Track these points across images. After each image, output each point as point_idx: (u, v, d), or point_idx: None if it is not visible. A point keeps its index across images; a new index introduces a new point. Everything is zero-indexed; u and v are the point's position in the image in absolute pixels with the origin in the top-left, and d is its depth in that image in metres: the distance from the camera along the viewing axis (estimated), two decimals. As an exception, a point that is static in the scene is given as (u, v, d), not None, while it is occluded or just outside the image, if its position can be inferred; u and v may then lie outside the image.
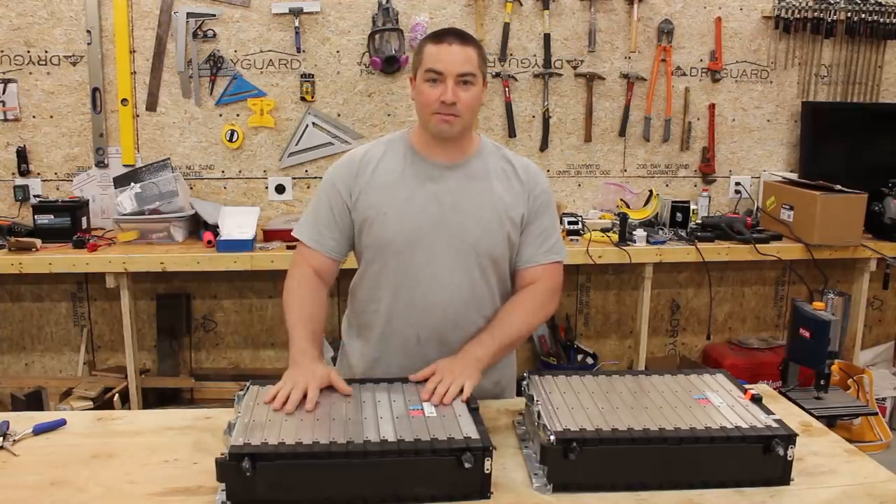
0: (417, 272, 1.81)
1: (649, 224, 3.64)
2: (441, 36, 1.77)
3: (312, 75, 3.55)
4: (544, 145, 3.76)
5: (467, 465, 1.39)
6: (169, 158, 3.45)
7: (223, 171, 3.61)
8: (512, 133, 3.72)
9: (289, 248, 3.22)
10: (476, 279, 1.83)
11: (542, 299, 1.89)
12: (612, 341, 4.04)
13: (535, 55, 3.68)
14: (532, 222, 1.88)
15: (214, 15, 3.45)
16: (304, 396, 1.57)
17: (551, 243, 1.92)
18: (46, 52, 3.41)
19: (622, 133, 3.81)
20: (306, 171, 3.65)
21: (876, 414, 3.54)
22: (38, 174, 3.51)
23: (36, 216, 3.29)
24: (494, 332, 1.81)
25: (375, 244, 1.83)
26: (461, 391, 1.63)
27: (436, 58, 1.75)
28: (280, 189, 3.63)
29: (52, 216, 3.28)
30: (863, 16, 3.77)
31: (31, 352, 3.68)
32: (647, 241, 3.43)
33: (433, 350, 1.83)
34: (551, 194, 1.95)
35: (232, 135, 3.55)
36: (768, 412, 1.59)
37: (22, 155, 3.46)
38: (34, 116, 3.46)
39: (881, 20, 3.78)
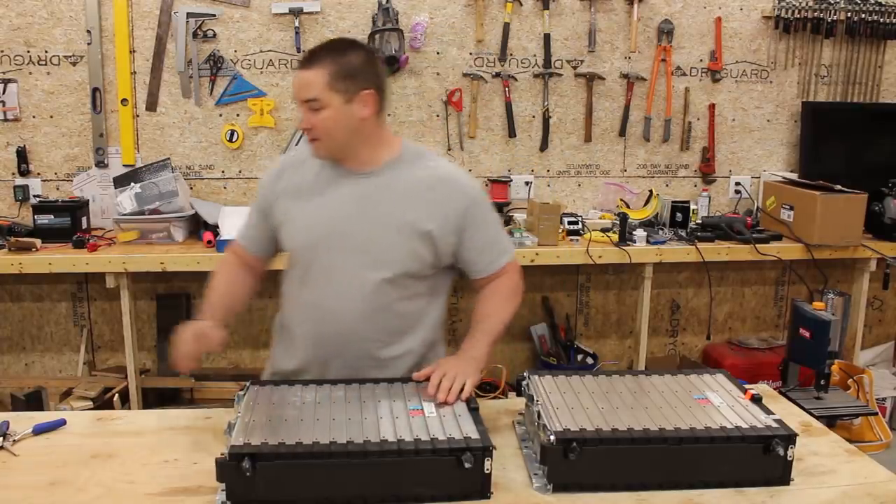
0: (318, 278, 1.82)
1: (649, 224, 3.64)
2: (302, 60, 1.78)
3: (312, 75, 3.54)
4: (544, 145, 3.76)
5: (467, 465, 1.39)
6: (169, 158, 3.45)
7: (223, 171, 3.61)
8: (512, 133, 3.72)
9: (289, 248, 3.22)
10: (375, 290, 1.79)
11: (506, 293, 1.92)
12: (612, 341, 4.04)
13: (535, 55, 3.68)
14: (467, 239, 1.83)
15: (214, 15, 3.45)
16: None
17: (495, 252, 1.89)
18: (46, 52, 3.40)
19: (622, 133, 3.81)
20: (306, 171, 3.64)
21: (876, 414, 3.54)
22: (38, 174, 3.51)
23: (36, 216, 3.29)
24: (484, 329, 1.85)
25: (288, 248, 1.89)
26: (462, 390, 1.64)
27: (293, 85, 1.78)
28: (280, 189, 3.62)
29: (52, 216, 3.28)
30: (863, 16, 3.77)
31: (31, 352, 3.68)
32: (647, 241, 3.43)
33: (335, 356, 1.83)
34: (481, 201, 1.87)
35: (232, 135, 3.55)
36: (768, 412, 1.59)
37: (22, 155, 3.45)
38: (34, 116, 3.46)
39: (881, 20, 3.78)
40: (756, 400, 1.65)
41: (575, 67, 3.72)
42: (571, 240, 3.45)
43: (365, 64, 1.76)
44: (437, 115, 3.67)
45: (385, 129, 1.86)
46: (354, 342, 1.81)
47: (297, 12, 3.45)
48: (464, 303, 3.87)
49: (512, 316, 1.93)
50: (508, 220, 3.49)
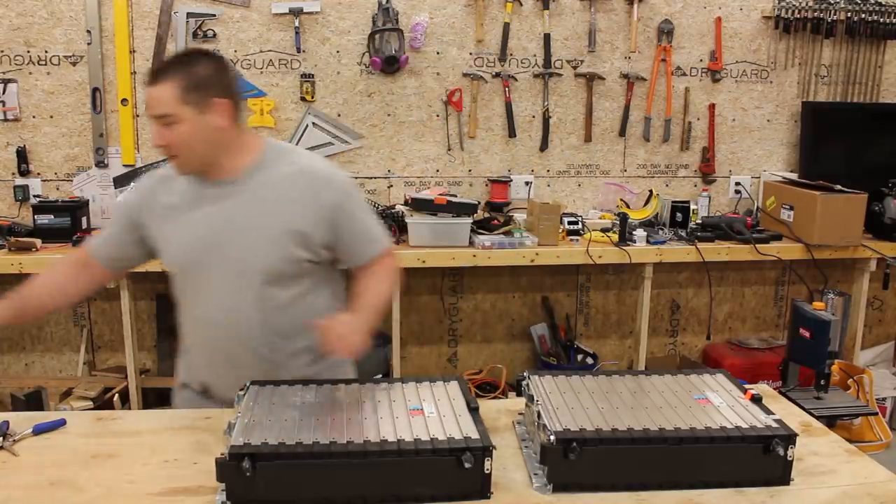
0: (201, 294, 1.82)
1: (649, 224, 3.64)
2: (148, 76, 1.72)
3: (312, 75, 3.55)
4: (544, 145, 3.76)
5: (467, 465, 1.39)
6: (169, 158, 3.44)
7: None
8: (512, 133, 3.72)
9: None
10: (257, 297, 1.78)
11: (381, 273, 1.87)
12: (612, 341, 4.04)
13: (535, 55, 3.68)
14: (339, 233, 1.81)
15: (214, 15, 3.45)
16: None
17: (368, 242, 1.87)
18: (46, 52, 3.40)
19: (622, 133, 3.81)
20: (306, 171, 3.64)
21: (876, 414, 3.54)
22: (38, 174, 3.51)
23: (36, 216, 3.29)
24: (362, 304, 1.79)
25: (168, 267, 1.87)
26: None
27: (145, 102, 1.74)
28: (280, 189, 3.62)
29: (52, 216, 3.28)
30: (863, 16, 3.77)
31: (31, 352, 3.68)
32: (647, 241, 3.43)
33: (233, 367, 1.82)
34: (349, 193, 1.85)
35: (232, 135, 3.55)
36: (768, 412, 1.59)
37: (22, 155, 3.45)
38: (34, 116, 3.46)
39: (881, 20, 3.78)
40: (756, 400, 1.65)
41: (575, 67, 3.72)
42: (571, 240, 3.45)
43: (215, 73, 1.73)
44: (437, 115, 3.67)
45: (244, 135, 1.82)
46: (248, 350, 1.80)
47: (297, 12, 3.45)
48: (464, 303, 3.88)
49: (390, 293, 1.89)
50: (509, 220, 3.49)
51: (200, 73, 1.71)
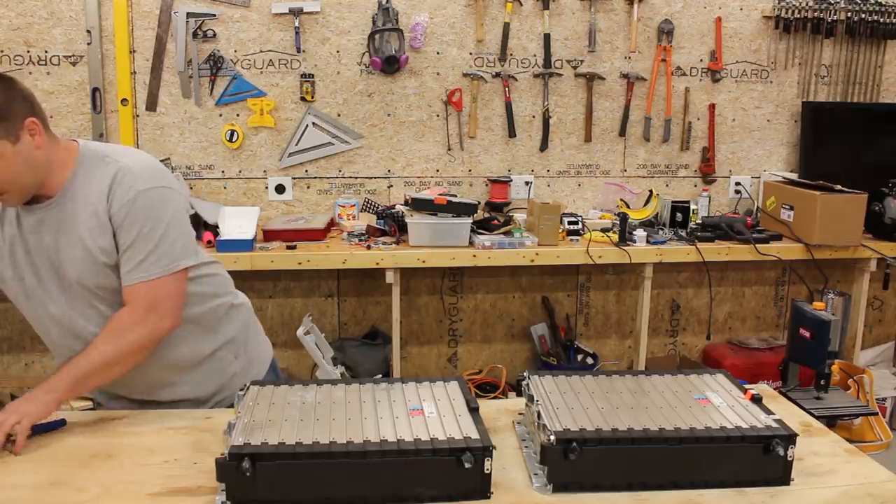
0: (54, 325, 1.76)
1: (649, 224, 3.64)
2: None
3: (312, 75, 3.55)
4: (544, 145, 3.76)
5: (467, 465, 1.39)
6: (169, 158, 3.45)
7: (223, 171, 3.61)
8: (512, 133, 3.72)
9: (288, 248, 3.22)
10: (101, 313, 1.72)
11: (124, 332, 1.68)
12: (612, 341, 4.04)
13: (535, 55, 3.68)
14: (118, 242, 1.66)
15: (214, 15, 3.45)
16: None
17: (136, 262, 1.66)
18: (46, 52, 3.40)
19: (622, 133, 3.81)
20: (306, 171, 3.65)
21: (876, 414, 3.54)
22: None
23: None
24: (79, 371, 1.66)
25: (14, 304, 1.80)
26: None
27: None
28: (280, 189, 3.63)
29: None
30: (863, 16, 3.77)
31: (31, 352, 3.67)
32: (647, 241, 3.43)
33: (117, 387, 1.81)
34: (138, 203, 1.64)
35: (232, 135, 3.55)
36: (768, 412, 1.59)
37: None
38: (34, 116, 3.46)
39: (881, 20, 3.78)
40: (756, 400, 1.64)
41: (575, 67, 3.72)
42: (571, 240, 3.45)
43: (11, 98, 1.59)
44: (437, 115, 3.67)
45: (58, 147, 1.67)
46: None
47: (297, 12, 3.45)
48: (464, 303, 3.88)
49: (125, 354, 1.68)
50: (509, 220, 3.49)
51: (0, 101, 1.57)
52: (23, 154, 1.59)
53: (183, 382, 1.86)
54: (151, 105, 3.51)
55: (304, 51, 3.52)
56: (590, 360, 3.81)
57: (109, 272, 1.69)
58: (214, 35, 3.47)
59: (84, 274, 1.68)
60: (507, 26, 3.61)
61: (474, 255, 3.25)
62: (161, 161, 3.36)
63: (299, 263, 3.17)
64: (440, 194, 3.27)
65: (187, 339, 1.82)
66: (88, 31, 3.39)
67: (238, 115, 3.56)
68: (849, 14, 3.77)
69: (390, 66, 3.51)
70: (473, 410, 1.57)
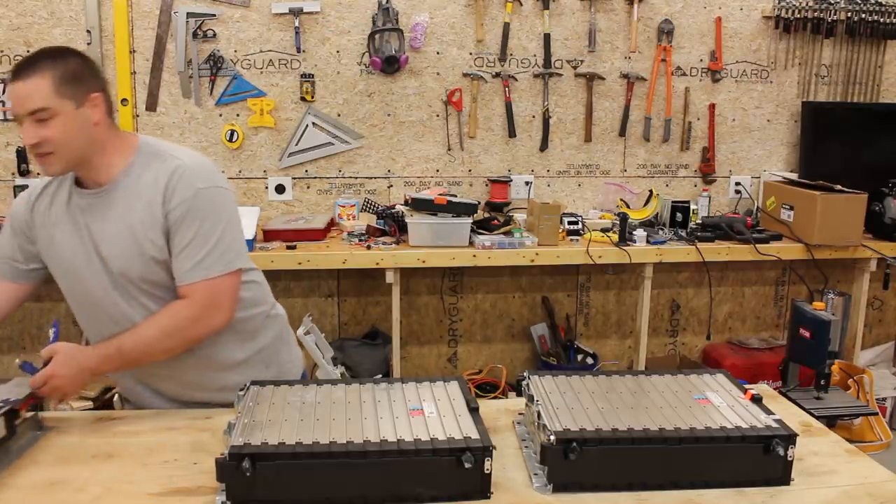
0: (91, 307, 1.79)
1: (649, 224, 3.64)
2: (13, 72, 1.63)
3: (312, 75, 3.55)
4: (544, 145, 3.76)
5: (467, 465, 1.39)
6: (169, 158, 3.44)
7: (223, 171, 3.60)
8: (512, 133, 3.72)
9: (288, 248, 3.22)
10: (141, 304, 1.75)
11: (178, 323, 1.71)
12: (612, 341, 4.04)
13: (535, 55, 3.68)
14: (173, 239, 1.69)
15: (214, 15, 3.45)
16: None
17: (195, 260, 1.69)
18: (46, 52, 3.40)
19: (622, 133, 3.81)
20: (306, 171, 3.65)
21: (876, 414, 3.54)
22: (38, 174, 3.51)
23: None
24: (123, 346, 1.70)
25: (58, 282, 1.83)
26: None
27: (10, 99, 1.64)
28: (280, 189, 3.63)
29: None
30: (863, 16, 3.77)
31: (31, 352, 3.67)
32: (647, 241, 3.43)
33: (134, 377, 1.85)
34: (197, 201, 1.69)
35: (232, 135, 3.55)
36: (768, 412, 1.59)
37: (22, 155, 3.45)
38: (34, 116, 3.46)
39: (881, 20, 3.78)
40: (756, 400, 1.64)
41: (575, 67, 3.72)
42: (571, 240, 3.45)
43: (86, 67, 1.68)
44: (437, 115, 3.67)
45: (117, 135, 1.75)
46: (145, 365, 1.78)
47: (297, 12, 3.45)
48: (464, 303, 3.88)
49: (173, 351, 1.73)
50: (509, 220, 3.49)
51: (73, 66, 1.65)
52: (80, 121, 1.65)
53: (212, 386, 1.86)
54: (151, 105, 3.51)
55: (304, 51, 3.52)
56: (590, 360, 3.81)
57: (153, 265, 1.71)
58: (214, 35, 3.47)
59: (128, 265, 1.71)
60: (507, 26, 3.61)
61: (474, 255, 3.25)
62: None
63: (299, 263, 3.17)
64: (440, 194, 3.27)
65: (223, 343, 1.83)
66: (88, 31, 3.39)
67: (238, 115, 3.56)
68: (849, 14, 3.77)
69: (390, 66, 3.51)
70: (473, 410, 1.57)
